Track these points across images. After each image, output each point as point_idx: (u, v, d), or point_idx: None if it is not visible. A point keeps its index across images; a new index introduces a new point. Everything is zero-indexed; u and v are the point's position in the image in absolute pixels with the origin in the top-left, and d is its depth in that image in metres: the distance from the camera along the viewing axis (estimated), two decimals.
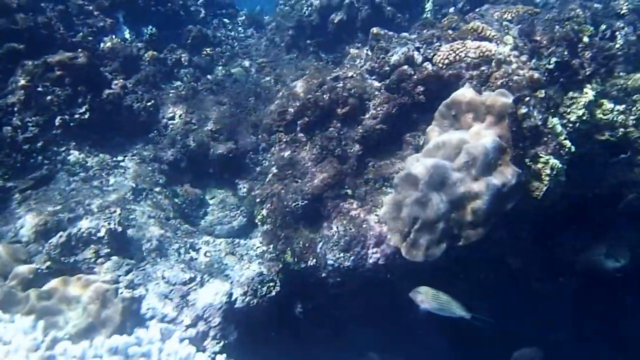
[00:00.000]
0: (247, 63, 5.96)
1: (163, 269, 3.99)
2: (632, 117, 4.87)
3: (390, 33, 4.54)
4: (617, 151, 4.96)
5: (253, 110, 5.38)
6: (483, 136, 3.97)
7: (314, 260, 4.20)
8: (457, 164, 3.95)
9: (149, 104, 5.34)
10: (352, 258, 4.12)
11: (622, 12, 5.80)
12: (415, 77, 4.34)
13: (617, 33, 5.31)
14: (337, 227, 4.21)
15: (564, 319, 5.38)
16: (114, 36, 5.88)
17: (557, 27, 4.57)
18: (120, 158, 5.16)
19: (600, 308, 5.49)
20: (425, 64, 4.37)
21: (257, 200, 4.62)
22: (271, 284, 4.21)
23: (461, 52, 4.26)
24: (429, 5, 6.15)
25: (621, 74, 5.09)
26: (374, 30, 4.52)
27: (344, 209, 4.28)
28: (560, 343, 5.43)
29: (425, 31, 4.55)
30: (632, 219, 5.19)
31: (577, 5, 5.26)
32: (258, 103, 5.36)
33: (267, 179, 4.67)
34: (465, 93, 4.09)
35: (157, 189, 5.01)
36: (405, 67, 4.34)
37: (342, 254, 4.12)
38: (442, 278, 4.80)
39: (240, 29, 6.48)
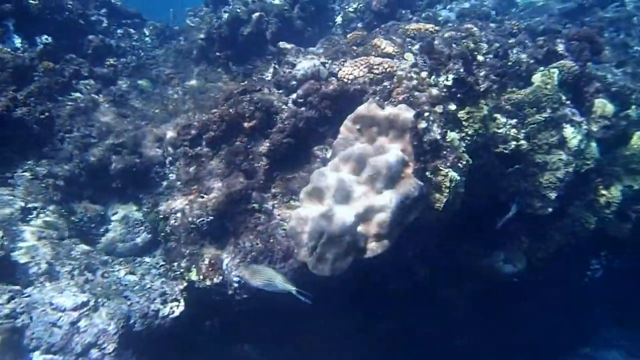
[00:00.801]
0: (154, 74, 5.72)
1: (52, 294, 3.68)
2: (523, 131, 5.24)
3: (297, 47, 4.55)
4: (512, 162, 5.32)
5: (160, 122, 5.16)
6: (386, 150, 4.07)
7: (220, 277, 4.07)
8: (362, 177, 4.01)
9: (42, 116, 4.95)
10: None
11: (513, 31, 6.27)
12: (321, 91, 4.38)
13: (509, 51, 5.72)
14: (244, 243, 4.11)
15: (468, 323, 5.64)
16: (1, 45, 5.40)
17: (454, 45, 4.81)
18: (8, 175, 4.74)
19: (501, 311, 5.82)
20: (331, 78, 4.42)
21: (161, 216, 4.41)
22: (174, 303, 4.02)
23: (365, 67, 4.36)
24: (338, 20, 6.27)
25: (514, 89, 5.48)
26: (281, 44, 4.52)
27: (251, 224, 4.19)
28: (466, 347, 5.67)
29: (331, 46, 4.61)
30: (526, 226, 5.57)
31: (473, 25, 5.60)
32: (165, 115, 5.15)
33: (172, 194, 4.49)
34: (369, 108, 4.18)
35: (51, 207, 4.64)
36: (312, 81, 4.37)
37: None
38: (351, 289, 4.88)
39: (147, 39, 6.22)
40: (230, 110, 4.24)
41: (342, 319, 5.12)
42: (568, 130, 5.18)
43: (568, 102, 5.34)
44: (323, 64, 4.44)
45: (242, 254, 4.08)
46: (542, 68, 5.54)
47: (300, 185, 4.37)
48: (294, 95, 4.43)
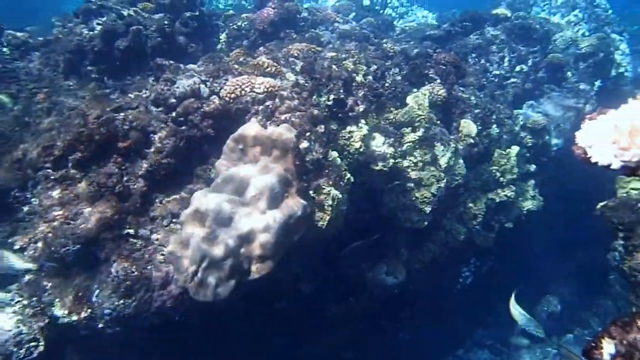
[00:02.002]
0: (14, 89, 5.10)
1: None
2: (400, 149, 5.55)
3: (177, 64, 4.36)
4: (391, 179, 5.61)
5: (19, 142, 4.60)
6: (270, 170, 4.04)
7: (89, 310, 3.71)
8: (245, 198, 3.94)
9: None
10: (134, 304, 3.75)
11: (390, 54, 6.66)
12: (202, 110, 4.24)
13: (387, 73, 6.06)
14: (117, 272, 3.79)
15: (353, 337, 5.79)
16: None
17: (334, 66, 4.97)
18: None
19: (383, 323, 6.07)
20: (213, 97, 4.31)
21: (18, 247, 3.91)
22: (33, 343, 3.57)
23: (247, 86, 4.31)
24: (223, 37, 6.16)
25: (391, 109, 5.79)
26: (158, 60, 4.29)
27: (125, 251, 3.89)
28: None
29: (212, 64, 4.49)
30: (405, 239, 5.89)
31: (353, 46, 5.85)
32: (24, 135, 4.60)
33: (33, 221, 4.01)
34: (251, 127, 4.13)
35: None
36: (192, 99, 4.21)
37: (122, 301, 3.72)
38: (237, 312, 4.75)
39: (5, 49, 5.54)
40: (102, 129, 3.92)
41: (227, 342, 4.97)
42: (439, 149, 5.61)
43: (438, 122, 5.78)
44: (204, 81, 4.31)
45: (114, 284, 3.76)
46: (415, 90, 5.94)
47: (181, 207, 4.17)
48: (173, 114, 4.23)
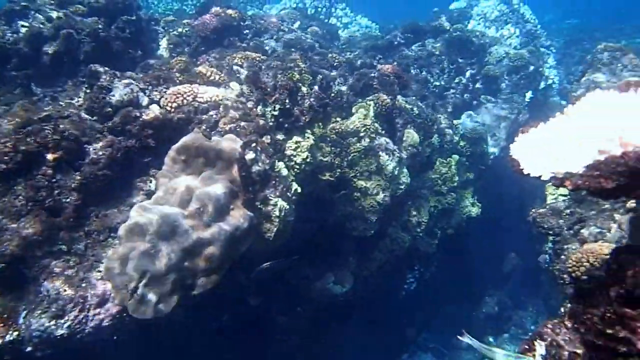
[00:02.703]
0: None
1: None
2: (346, 159, 5.60)
3: (113, 71, 4.16)
4: (338, 188, 5.64)
5: None
6: (214, 182, 3.94)
7: (15, 333, 3.45)
8: (189, 211, 3.81)
9: None
10: (67, 325, 3.52)
11: (335, 64, 6.72)
12: (142, 119, 4.07)
13: (332, 83, 6.10)
14: (48, 291, 3.55)
15: (301, 346, 5.75)
16: None
17: (279, 75, 4.94)
18: None
19: (330, 331, 6.08)
20: (153, 106, 4.15)
21: None
22: None
23: (189, 96, 4.19)
24: (163, 43, 5.96)
25: (337, 119, 5.84)
26: (92, 67, 4.08)
27: (57, 269, 3.65)
28: None
29: (151, 72, 4.33)
30: (352, 247, 5.93)
31: (298, 56, 5.83)
32: None
33: None
34: (194, 138, 4.01)
35: None
36: (130, 108, 4.03)
37: (53, 322, 3.48)
38: (181, 326, 4.60)
39: None
40: (28, 139, 3.66)
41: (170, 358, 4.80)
42: (384, 158, 5.70)
43: (383, 132, 5.88)
44: (143, 90, 4.14)
45: (44, 304, 3.52)
46: (360, 100, 6.02)
47: (119, 221, 3.99)
48: (109, 123, 4.03)
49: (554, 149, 1.96)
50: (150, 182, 4.24)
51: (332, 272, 5.83)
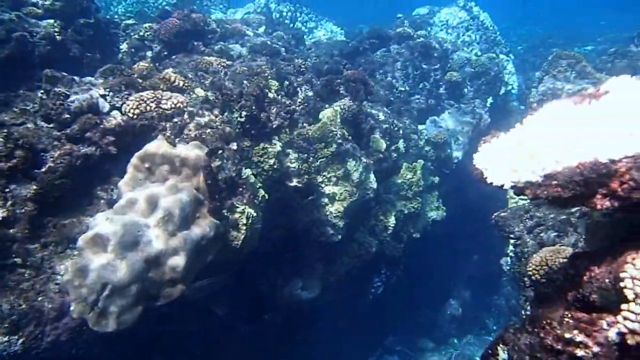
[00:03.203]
0: None
1: None
2: (314, 165, 5.60)
3: (71, 77, 4.03)
4: (306, 194, 5.63)
5: None
6: (179, 190, 3.87)
7: None
8: (153, 220, 3.73)
9: None
10: (21, 341, 3.38)
11: (302, 69, 6.71)
12: (102, 126, 3.95)
13: (299, 88, 6.09)
14: (0, 306, 3.40)
15: (268, 352, 5.70)
16: None
17: (246, 81, 4.90)
18: None
19: (298, 336, 6.06)
20: (114, 112, 4.04)
21: None
22: None
23: (153, 102, 4.10)
24: (124, 47, 5.81)
25: (304, 125, 5.83)
26: (48, 72, 3.93)
27: (10, 283, 3.50)
28: None
29: (112, 77, 4.21)
30: (320, 253, 5.94)
31: (264, 62, 5.80)
32: None
33: None
34: (159, 145, 3.93)
35: None
36: (90, 115, 3.91)
37: (6, 338, 3.34)
38: (144, 338, 4.48)
39: None
40: None
41: None
42: (351, 164, 5.73)
43: (350, 137, 5.91)
44: (103, 96, 4.03)
45: None
46: (327, 106, 6.04)
47: (79, 231, 3.87)
48: (68, 131, 3.89)
49: (514, 159, 2.02)
50: (112, 190, 4.13)
51: (300, 278, 5.82)
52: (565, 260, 2.96)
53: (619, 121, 1.86)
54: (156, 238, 3.66)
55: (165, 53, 5.70)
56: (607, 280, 1.69)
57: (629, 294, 1.56)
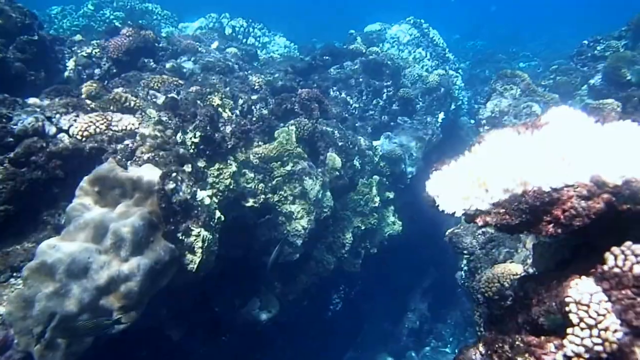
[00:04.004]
0: None
1: None
2: (270, 184, 5.58)
3: (12, 98, 3.85)
4: (263, 213, 5.59)
5: None
6: (132, 214, 3.77)
7: None
8: (104, 246, 3.62)
9: None
10: None
11: (256, 87, 6.72)
12: (48, 149, 3.80)
13: (254, 107, 6.09)
14: None
15: None
16: None
17: (199, 101, 4.84)
18: None
19: (257, 356, 5.98)
20: (61, 135, 3.89)
21: None
22: None
23: (102, 124, 3.98)
24: (70, 64, 5.60)
25: (260, 143, 5.82)
26: None
27: None
28: None
29: (59, 98, 4.06)
30: (278, 272, 5.90)
31: (218, 80, 5.75)
32: None
33: None
34: (109, 168, 3.82)
35: None
36: (35, 138, 3.75)
37: None
38: None
39: None
40: None
41: None
42: (308, 182, 5.75)
43: (306, 156, 5.94)
44: (49, 117, 3.87)
45: None
46: (282, 124, 6.05)
47: (24, 260, 3.68)
48: (11, 154, 3.71)
49: (464, 187, 2.10)
50: (60, 215, 3.96)
51: (258, 298, 5.75)
52: (516, 275, 3.09)
53: (557, 151, 1.98)
54: (107, 264, 3.55)
55: (115, 70, 5.55)
56: (553, 304, 1.78)
57: (574, 319, 1.65)
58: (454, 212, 2.07)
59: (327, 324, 7.01)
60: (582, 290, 1.66)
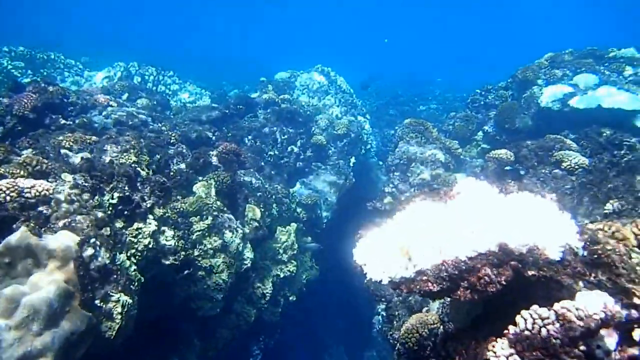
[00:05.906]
0: None
1: None
2: (190, 239, 5.53)
3: None
4: (182, 268, 5.49)
5: None
6: (46, 284, 3.58)
7: None
8: (15, 320, 3.39)
9: None
10: None
11: (172, 140, 6.67)
12: None
13: (170, 161, 6.04)
14: None
15: None
16: None
17: (115, 160, 4.75)
18: None
19: None
20: None
21: None
22: None
23: (13, 191, 3.77)
24: None
25: (178, 197, 5.76)
26: None
27: None
28: None
29: None
30: (198, 327, 5.78)
31: (132, 135, 5.65)
32: None
33: None
34: (21, 237, 3.60)
35: None
36: None
37: None
38: None
39: None
40: None
41: None
42: (228, 235, 5.79)
43: (225, 208, 5.99)
44: None
45: None
46: (200, 178, 6.07)
47: None
48: None
49: (389, 256, 2.35)
50: None
51: (177, 356, 5.57)
52: (434, 325, 3.39)
53: (469, 221, 2.31)
54: (18, 340, 3.33)
55: (19, 128, 5.24)
56: None
57: None
58: (381, 280, 2.31)
59: None
60: (499, 353, 1.94)
